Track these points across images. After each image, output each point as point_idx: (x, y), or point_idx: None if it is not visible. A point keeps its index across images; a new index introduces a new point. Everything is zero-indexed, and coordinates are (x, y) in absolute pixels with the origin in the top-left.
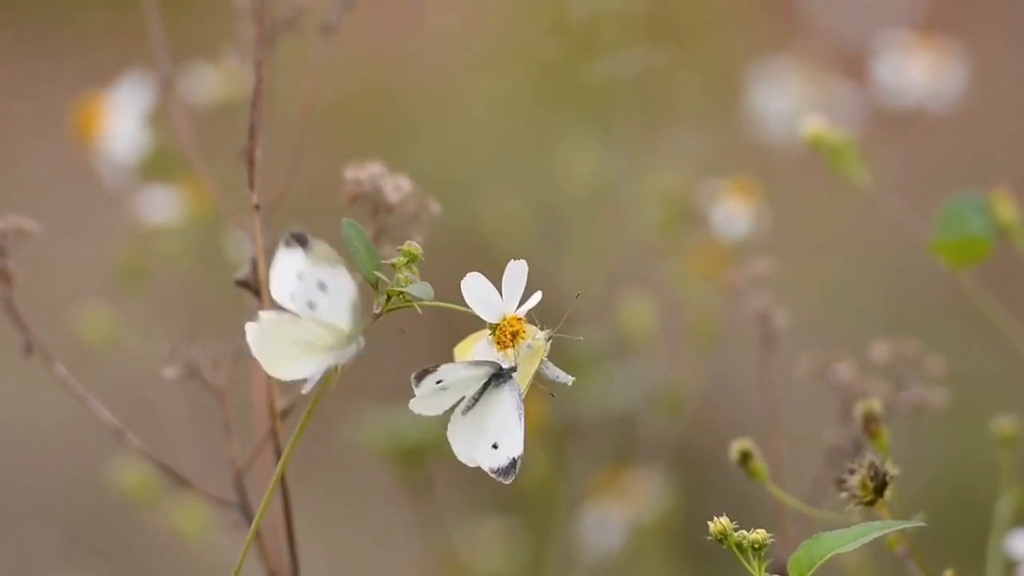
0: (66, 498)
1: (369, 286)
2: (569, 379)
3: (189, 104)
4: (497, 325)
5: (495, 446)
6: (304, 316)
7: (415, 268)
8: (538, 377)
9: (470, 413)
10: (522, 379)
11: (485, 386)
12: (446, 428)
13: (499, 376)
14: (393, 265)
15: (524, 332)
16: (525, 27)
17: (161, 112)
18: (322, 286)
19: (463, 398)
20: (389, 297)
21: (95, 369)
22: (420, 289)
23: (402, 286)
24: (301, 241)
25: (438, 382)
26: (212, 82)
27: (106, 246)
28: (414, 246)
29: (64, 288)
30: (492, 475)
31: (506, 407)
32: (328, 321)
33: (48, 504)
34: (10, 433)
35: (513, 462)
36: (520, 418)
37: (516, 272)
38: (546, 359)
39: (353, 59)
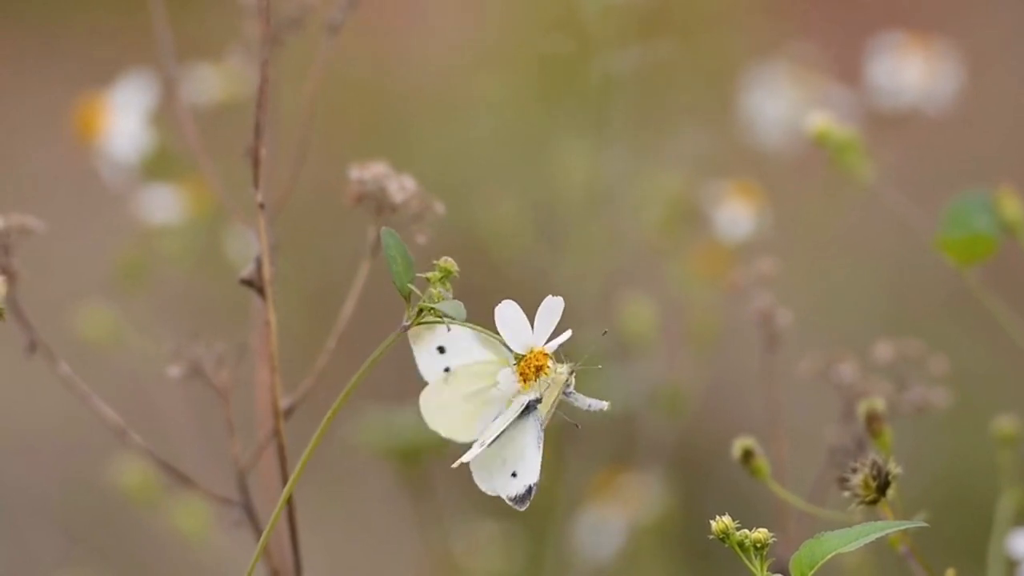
0: (66, 498)
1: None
2: (604, 405)
3: (193, 103)
4: (523, 356)
5: (514, 475)
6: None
7: (448, 284)
8: (567, 407)
9: (494, 444)
10: (544, 408)
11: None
12: None
13: (528, 408)
14: (427, 279)
15: (548, 368)
16: (525, 27)
17: (165, 111)
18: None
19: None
20: (420, 311)
21: (96, 369)
22: (452, 307)
23: (434, 302)
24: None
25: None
26: (216, 81)
27: (108, 245)
28: (450, 262)
29: (66, 287)
30: (509, 503)
31: (528, 437)
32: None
33: (48, 504)
34: (10, 433)
35: (529, 489)
36: (539, 447)
37: (551, 308)
38: (574, 392)
39: (354, 59)
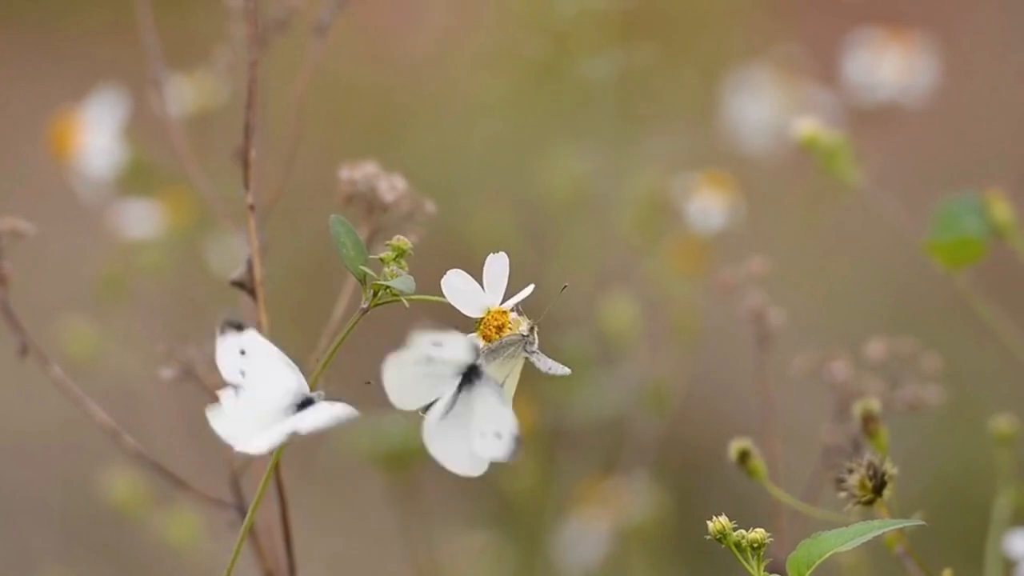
0: (64, 498)
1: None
2: (565, 370)
3: (181, 105)
4: (481, 319)
5: (498, 435)
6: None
7: (403, 263)
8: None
9: (451, 416)
10: (510, 379)
11: (459, 388)
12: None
13: (472, 374)
14: (381, 260)
15: (509, 325)
16: (519, 29)
17: (153, 114)
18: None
19: (436, 399)
20: (375, 292)
21: (91, 371)
22: (402, 282)
23: (388, 280)
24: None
25: (436, 344)
26: (205, 83)
27: (103, 246)
28: (403, 240)
29: (63, 288)
30: (502, 460)
31: (490, 399)
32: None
33: (46, 504)
34: (9, 434)
35: (517, 440)
36: (504, 402)
37: (497, 265)
38: (538, 351)
39: (346, 60)
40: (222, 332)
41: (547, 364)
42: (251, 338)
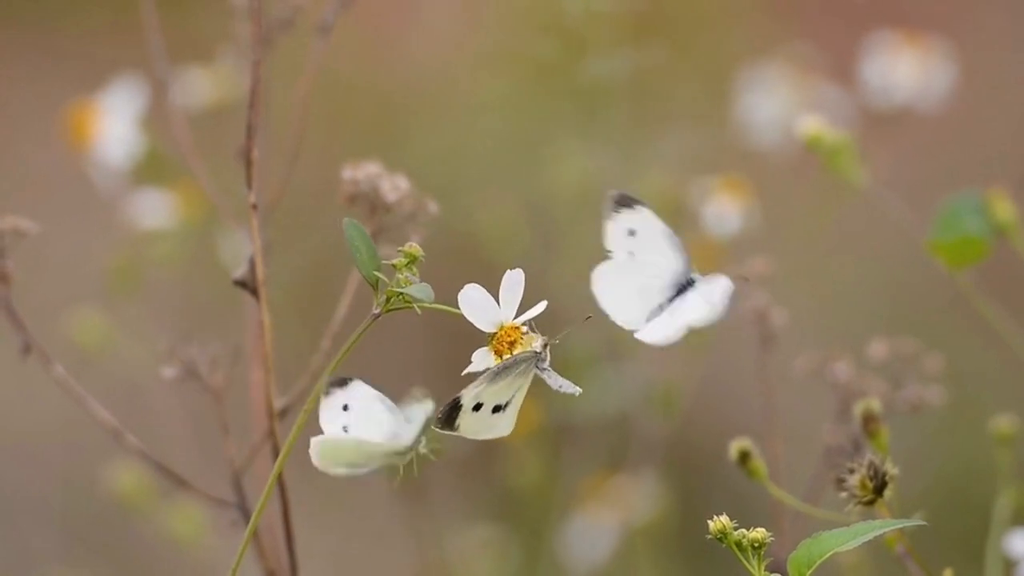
0: (65, 498)
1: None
2: (576, 389)
3: (186, 104)
4: (495, 334)
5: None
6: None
7: (415, 269)
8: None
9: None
10: (519, 395)
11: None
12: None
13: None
14: (393, 266)
15: (522, 341)
16: (522, 28)
17: (158, 113)
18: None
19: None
20: (388, 298)
21: (93, 371)
22: (419, 290)
23: (402, 287)
24: None
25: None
26: (209, 82)
27: (106, 245)
28: (415, 247)
29: (65, 287)
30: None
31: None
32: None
33: (48, 504)
34: (10, 434)
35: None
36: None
37: (513, 281)
38: (549, 368)
39: (350, 59)
40: (327, 393)
41: (558, 382)
42: (356, 390)
